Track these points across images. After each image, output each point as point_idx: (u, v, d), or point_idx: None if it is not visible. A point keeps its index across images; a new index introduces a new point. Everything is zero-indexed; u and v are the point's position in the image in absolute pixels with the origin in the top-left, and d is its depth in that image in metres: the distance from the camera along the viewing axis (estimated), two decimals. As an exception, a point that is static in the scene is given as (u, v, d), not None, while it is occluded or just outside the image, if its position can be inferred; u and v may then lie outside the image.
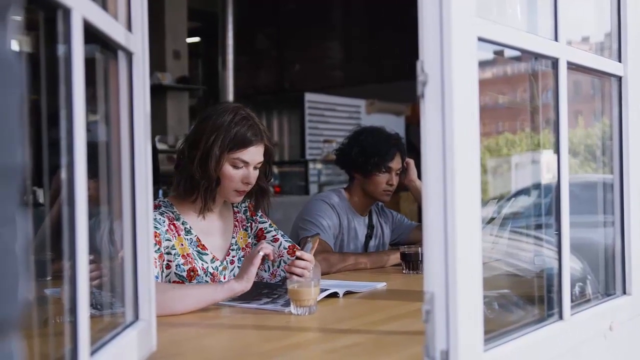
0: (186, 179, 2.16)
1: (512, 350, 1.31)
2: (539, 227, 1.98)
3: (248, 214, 2.38)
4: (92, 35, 1.10)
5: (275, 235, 2.36)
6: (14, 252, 0.56)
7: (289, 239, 2.37)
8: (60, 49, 0.99)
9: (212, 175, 2.12)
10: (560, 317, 1.49)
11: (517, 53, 1.54)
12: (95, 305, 1.36)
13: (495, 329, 1.32)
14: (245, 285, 1.92)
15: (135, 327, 1.32)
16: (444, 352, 1.15)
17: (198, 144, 2.13)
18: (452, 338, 1.15)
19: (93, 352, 1.07)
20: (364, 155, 2.94)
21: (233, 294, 1.93)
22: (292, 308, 1.85)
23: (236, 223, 2.34)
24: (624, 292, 1.79)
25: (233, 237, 2.31)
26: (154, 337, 1.41)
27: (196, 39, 10.05)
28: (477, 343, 1.20)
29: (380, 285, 2.33)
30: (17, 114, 0.57)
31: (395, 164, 2.98)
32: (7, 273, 0.55)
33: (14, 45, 0.58)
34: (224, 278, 2.22)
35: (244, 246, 2.33)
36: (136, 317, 1.35)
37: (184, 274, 2.13)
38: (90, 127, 1.10)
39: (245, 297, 2.03)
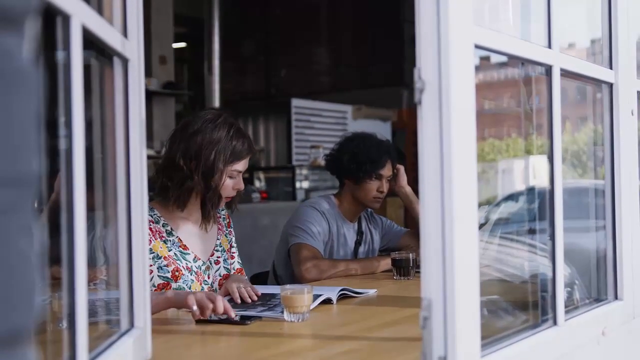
0: (185, 191, 2.22)
1: (508, 356, 1.31)
2: (528, 232, 1.99)
3: (226, 222, 2.47)
4: (88, 41, 1.10)
5: (234, 253, 2.47)
6: (30, 260, 0.56)
7: (240, 261, 2.47)
8: (59, 55, 0.98)
9: (217, 188, 2.22)
10: (555, 323, 1.50)
11: (504, 59, 1.55)
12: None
13: (491, 335, 1.33)
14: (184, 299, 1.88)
15: (131, 334, 1.31)
16: (442, 358, 1.15)
17: (197, 156, 2.19)
18: (450, 344, 1.15)
19: (90, 361, 1.07)
20: (356, 162, 2.94)
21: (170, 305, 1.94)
22: (285, 315, 1.85)
23: (219, 227, 2.42)
24: (616, 298, 1.80)
25: (217, 239, 2.39)
26: (149, 345, 1.40)
27: (182, 44, 10.03)
28: (475, 349, 1.20)
29: (372, 292, 2.33)
30: (34, 122, 0.57)
31: (386, 171, 2.98)
32: (24, 281, 0.55)
33: (30, 54, 0.58)
34: (209, 277, 2.30)
35: (227, 249, 2.42)
36: (131, 324, 1.35)
37: (169, 274, 2.18)
38: (85, 134, 1.09)
39: (240, 306, 2.02)
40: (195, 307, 1.79)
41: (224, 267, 2.37)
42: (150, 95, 7.34)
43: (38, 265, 0.57)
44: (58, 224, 0.99)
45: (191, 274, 2.22)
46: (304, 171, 7.55)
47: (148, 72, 7.28)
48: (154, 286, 2.15)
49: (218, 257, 2.36)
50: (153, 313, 1.88)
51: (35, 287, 0.57)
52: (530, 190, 2.01)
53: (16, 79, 0.55)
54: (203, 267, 2.29)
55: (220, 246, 2.38)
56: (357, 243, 3.10)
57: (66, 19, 0.97)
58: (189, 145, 2.21)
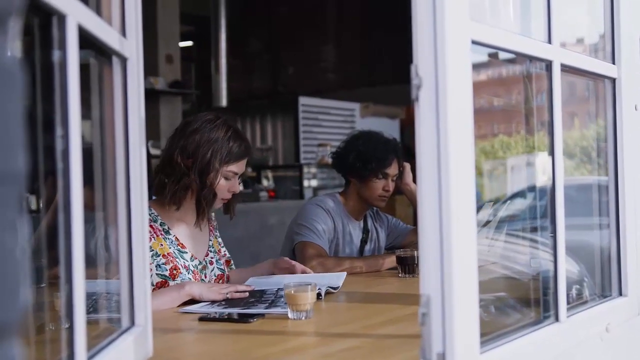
0: (181, 188, 2.24)
1: (508, 352, 1.31)
2: (534, 229, 1.98)
3: (215, 224, 2.51)
4: (86, 40, 1.10)
5: (224, 249, 2.52)
6: (15, 256, 0.57)
7: (222, 268, 2.45)
8: (55, 55, 0.99)
9: (212, 187, 2.25)
10: (557, 319, 1.49)
11: (511, 55, 1.55)
12: (89, 310, 1.36)
13: (491, 332, 1.32)
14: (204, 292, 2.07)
15: (131, 332, 1.32)
16: (441, 355, 1.15)
17: (194, 154, 2.23)
18: (449, 340, 1.15)
19: (89, 358, 1.07)
20: (362, 161, 2.93)
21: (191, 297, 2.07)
22: (288, 312, 1.85)
23: (211, 228, 2.47)
24: (620, 294, 1.79)
25: (210, 240, 2.43)
26: (150, 343, 1.41)
27: (189, 43, 10.04)
28: (474, 345, 1.20)
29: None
30: (19, 120, 0.58)
31: (392, 170, 2.97)
32: (8, 277, 0.56)
33: (15, 52, 0.59)
34: (205, 277, 2.34)
35: (217, 251, 2.46)
36: (132, 322, 1.35)
37: (167, 272, 2.21)
38: (84, 133, 1.10)
39: (237, 304, 2.02)
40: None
41: (217, 267, 2.42)
42: (157, 94, 7.34)
43: (23, 260, 0.58)
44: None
45: (188, 273, 2.26)
46: (312, 169, 7.56)
47: (154, 71, 7.29)
48: (153, 284, 2.17)
49: (212, 258, 2.41)
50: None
51: (20, 282, 0.58)
52: (539, 187, 2.00)
53: (0, 77, 0.56)
54: (200, 267, 2.33)
55: (212, 247, 2.43)
56: (364, 241, 3.10)
57: (62, 18, 0.98)
58: (187, 143, 2.25)
